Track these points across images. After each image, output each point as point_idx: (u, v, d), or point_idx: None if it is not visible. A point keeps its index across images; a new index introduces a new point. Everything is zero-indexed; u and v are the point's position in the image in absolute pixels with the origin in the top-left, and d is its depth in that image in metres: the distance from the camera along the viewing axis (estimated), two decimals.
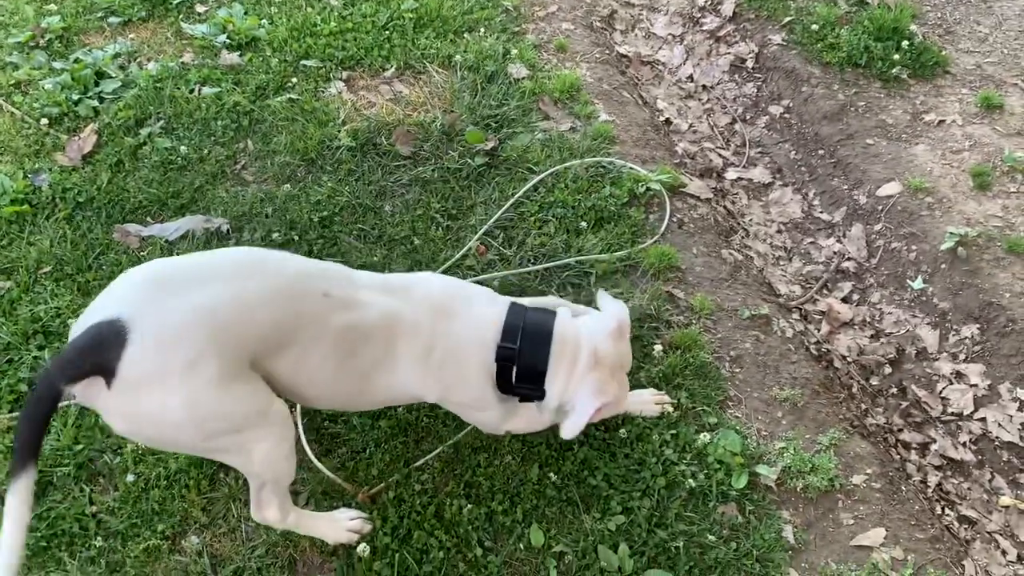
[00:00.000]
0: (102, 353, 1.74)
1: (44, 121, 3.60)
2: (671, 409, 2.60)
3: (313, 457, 2.49)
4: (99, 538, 2.35)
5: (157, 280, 1.85)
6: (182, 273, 1.88)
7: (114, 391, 1.77)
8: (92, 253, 3.08)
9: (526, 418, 2.40)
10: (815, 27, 4.26)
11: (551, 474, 2.46)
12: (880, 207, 3.51)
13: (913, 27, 4.24)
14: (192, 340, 1.77)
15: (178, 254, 3.07)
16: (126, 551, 2.33)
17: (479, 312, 2.28)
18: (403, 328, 2.14)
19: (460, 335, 2.21)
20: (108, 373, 1.75)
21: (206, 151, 3.50)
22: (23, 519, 1.71)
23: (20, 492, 1.72)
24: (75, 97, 3.71)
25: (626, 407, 2.55)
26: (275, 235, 3.13)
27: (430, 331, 2.17)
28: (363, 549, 2.30)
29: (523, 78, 3.83)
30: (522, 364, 2.21)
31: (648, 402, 2.62)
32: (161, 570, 2.31)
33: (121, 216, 3.24)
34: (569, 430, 2.21)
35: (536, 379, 2.22)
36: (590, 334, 2.27)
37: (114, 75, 3.85)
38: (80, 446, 2.53)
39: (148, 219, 3.24)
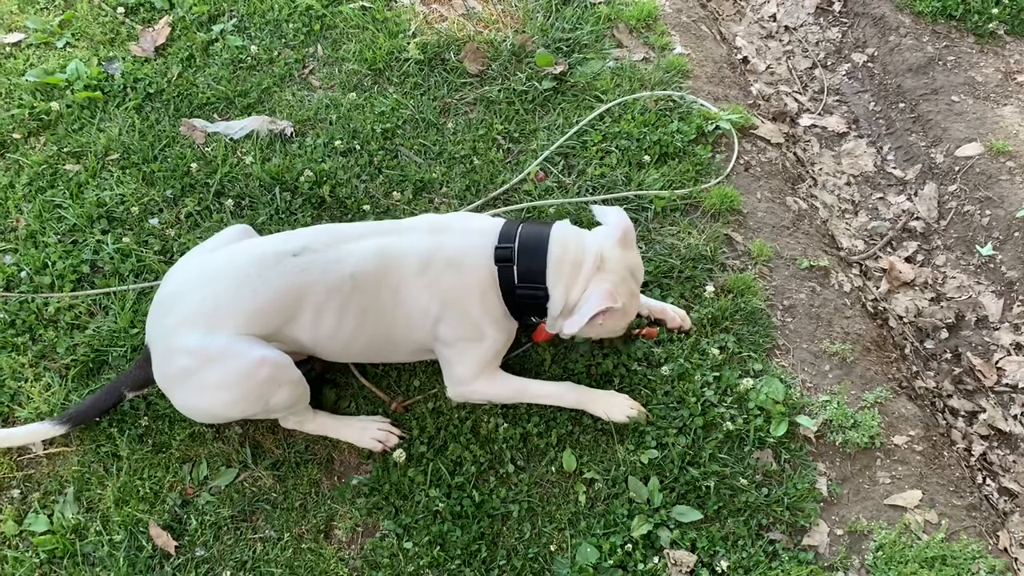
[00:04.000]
0: (146, 369, 2.26)
1: (120, 10, 3.62)
2: (643, 420, 2.42)
3: (352, 366, 2.53)
4: (146, 418, 2.44)
5: (160, 306, 2.27)
6: (172, 294, 2.26)
7: (164, 391, 2.28)
8: (158, 144, 3.13)
9: (499, 383, 2.41)
10: None
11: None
12: (957, 167, 3.37)
13: None
14: (176, 350, 2.16)
15: (242, 153, 3.10)
16: (172, 434, 2.42)
17: (475, 224, 2.36)
18: (399, 257, 2.24)
19: (457, 245, 2.28)
20: (153, 382, 2.27)
21: (276, 53, 3.50)
22: (19, 438, 2.35)
23: (36, 432, 2.34)
24: None
25: (602, 408, 2.44)
26: (337, 142, 3.14)
27: (427, 247, 2.25)
28: (399, 455, 2.36)
29: (599, 3, 3.73)
30: (521, 264, 2.25)
31: (620, 405, 2.43)
32: (204, 455, 2.40)
33: (188, 110, 3.27)
34: (570, 325, 2.23)
35: (537, 278, 2.25)
36: (594, 240, 2.30)
37: None
38: (136, 329, 2.61)
39: (215, 115, 3.27)
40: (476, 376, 2.35)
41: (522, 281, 2.26)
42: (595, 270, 2.24)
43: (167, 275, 2.35)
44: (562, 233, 2.31)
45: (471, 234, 2.31)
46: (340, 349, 2.33)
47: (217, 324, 2.15)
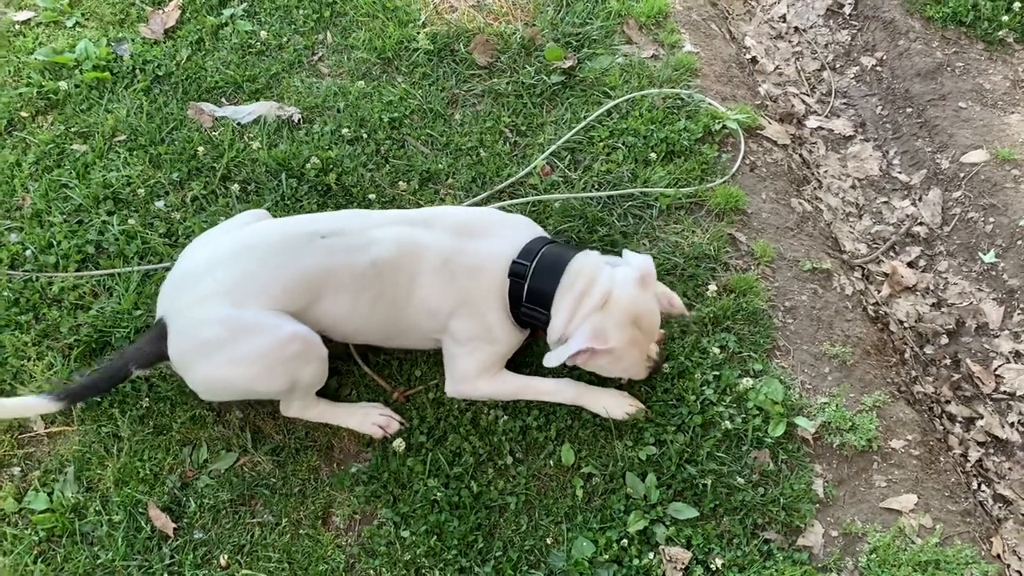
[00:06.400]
0: (159, 344, 2.22)
1: None
2: (642, 417, 2.43)
3: (355, 354, 2.54)
4: (147, 399, 2.45)
5: (182, 279, 2.27)
6: (198, 268, 2.25)
7: (175, 369, 2.27)
8: (166, 127, 3.13)
9: (501, 381, 2.42)
10: None
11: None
12: (962, 174, 3.38)
13: None
14: (205, 322, 2.17)
15: (249, 138, 3.11)
16: (173, 416, 2.43)
17: (503, 233, 2.37)
18: (421, 250, 2.27)
19: (478, 251, 2.30)
20: (167, 358, 2.24)
21: (285, 39, 3.50)
22: (11, 410, 2.30)
23: (31, 406, 2.26)
24: None
25: (601, 405, 2.44)
26: (344, 130, 3.14)
27: (450, 248, 2.28)
28: (399, 444, 2.37)
29: None
30: (532, 283, 2.26)
31: (620, 402, 2.43)
32: (205, 438, 2.41)
33: (197, 94, 3.27)
34: (551, 358, 2.26)
35: (543, 301, 2.27)
36: (612, 277, 2.28)
37: None
38: (139, 311, 2.62)
39: (223, 100, 3.27)
40: (479, 375, 2.37)
41: (528, 301, 2.27)
42: (598, 308, 2.23)
43: (185, 251, 2.37)
44: (580, 263, 2.30)
45: (494, 241, 2.32)
46: (352, 331, 2.36)
47: (247, 299, 2.17)
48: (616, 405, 2.42)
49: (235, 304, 2.16)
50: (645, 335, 2.31)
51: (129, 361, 2.27)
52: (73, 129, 3.11)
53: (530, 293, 2.27)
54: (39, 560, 2.20)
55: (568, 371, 2.53)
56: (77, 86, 3.24)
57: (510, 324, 2.35)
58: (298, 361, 2.19)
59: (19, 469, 2.36)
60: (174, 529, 2.26)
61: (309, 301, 2.24)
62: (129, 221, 2.84)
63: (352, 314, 2.28)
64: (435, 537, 2.24)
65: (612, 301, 2.24)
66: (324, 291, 2.24)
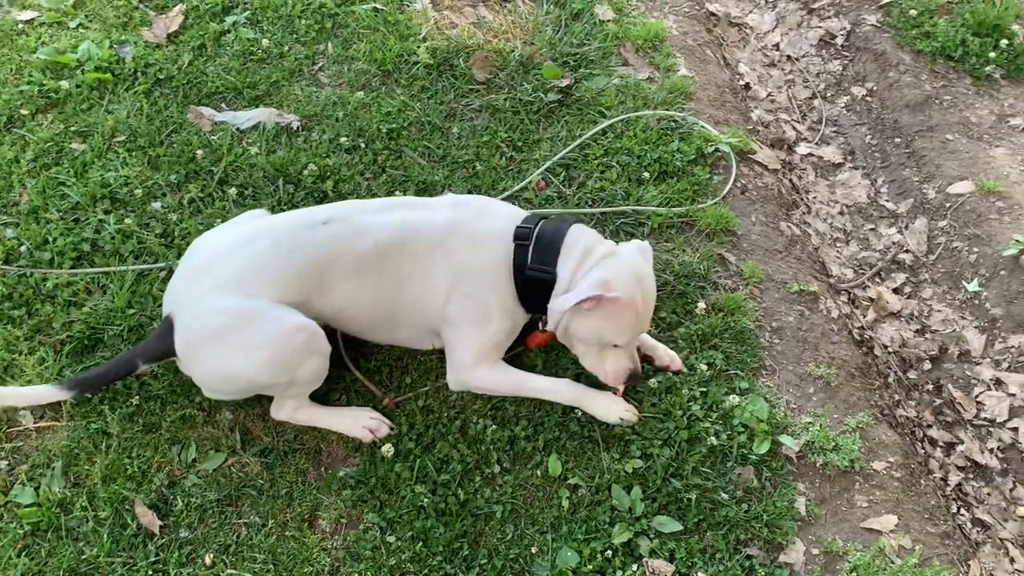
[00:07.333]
0: (166, 340, 2.24)
1: None
2: (634, 421, 2.45)
3: (347, 359, 2.55)
4: (137, 397, 2.45)
5: (187, 275, 2.30)
6: (203, 262, 2.29)
7: (182, 365, 2.30)
8: (165, 130, 3.15)
9: (500, 373, 2.45)
10: (913, 12, 4.13)
11: (577, 410, 2.50)
12: (948, 204, 3.44)
13: (1015, 27, 4.08)
14: (211, 312, 2.19)
15: (247, 143, 3.13)
16: (163, 415, 2.44)
17: (498, 209, 2.44)
18: (420, 229, 2.31)
19: (477, 223, 2.35)
20: (174, 354, 2.26)
21: (287, 48, 3.54)
22: (24, 398, 2.37)
23: (42, 394, 2.33)
24: None
25: (598, 408, 2.46)
26: (343, 139, 3.17)
27: (447, 221, 2.33)
28: (387, 449, 2.38)
29: (608, 20, 3.79)
30: (537, 245, 2.31)
31: (616, 407, 2.45)
32: (194, 438, 2.42)
33: (197, 98, 3.30)
34: (561, 301, 2.26)
35: (549, 260, 2.31)
36: (612, 243, 2.40)
37: None
38: (132, 310, 2.63)
39: (223, 105, 3.30)
40: (478, 363, 2.39)
41: (534, 262, 2.31)
42: (604, 258, 2.31)
43: (192, 247, 2.39)
44: (579, 230, 2.39)
45: (493, 216, 2.39)
46: (355, 318, 2.38)
47: (254, 290, 2.20)
48: (613, 409, 2.45)
49: (242, 295, 2.19)
50: (645, 301, 2.32)
51: (137, 355, 2.31)
52: (73, 128, 3.13)
53: (535, 254, 2.31)
54: (23, 554, 2.19)
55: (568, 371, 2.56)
56: (78, 86, 3.26)
57: (508, 302, 2.37)
58: (302, 353, 2.22)
59: (6, 463, 2.36)
60: (160, 527, 2.26)
61: (314, 289, 2.26)
62: (125, 221, 2.85)
63: (356, 300, 2.31)
64: (420, 543, 2.25)
65: (617, 255, 2.33)
66: (328, 278, 2.27)
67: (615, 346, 2.34)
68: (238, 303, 2.18)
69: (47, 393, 2.33)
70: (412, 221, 2.32)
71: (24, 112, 3.17)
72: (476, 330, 2.36)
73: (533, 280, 2.33)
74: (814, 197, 3.61)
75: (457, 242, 2.31)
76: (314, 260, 2.26)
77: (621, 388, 2.48)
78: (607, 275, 2.25)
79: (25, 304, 2.65)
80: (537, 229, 2.34)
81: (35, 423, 2.42)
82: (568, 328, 2.34)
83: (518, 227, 2.35)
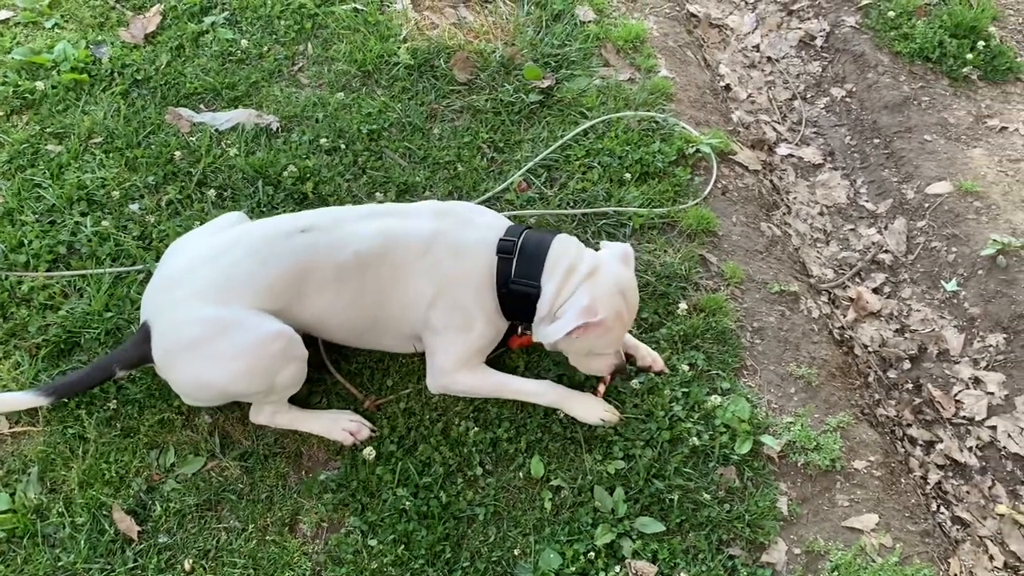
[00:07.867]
0: (142, 347, 2.22)
1: None
2: (615, 422, 2.45)
3: (327, 361, 2.54)
4: (115, 402, 2.42)
5: (164, 282, 2.29)
6: (178, 271, 2.27)
7: (160, 372, 2.27)
8: (143, 131, 3.12)
9: (480, 376, 2.44)
10: (891, 14, 4.16)
11: (558, 411, 2.49)
12: (927, 204, 3.47)
13: (992, 28, 4.13)
14: (188, 322, 2.18)
15: (226, 144, 3.11)
16: (141, 419, 2.41)
17: (481, 218, 2.42)
18: (403, 238, 2.29)
19: (461, 233, 2.33)
20: (151, 360, 2.24)
21: (266, 48, 3.52)
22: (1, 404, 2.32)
23: (20, 400, 2.30)
24: None
25: (579, 409, 2.47)
26: (323, 140, 3.15)
27: (431, 231, 2.31)
28: (368, 452, 2.37)
29: (589, 22, 3.79)
30: (521, 258, 2.30)
31: (597, 408, 2.46)
32: (172, 442, 2.39)
33: (175, 99, 3.27)
34: (548, 333, 2.27)
35: (533, 274, 2.30)
36: (594, 255, 2.38)
37: None
38: (110, 313, 2.60)
39: (201, 106, 3.27)
40: (459, 367, 2.38)
41: (519, 275, 2.30)
42: (587, 277, 2.29)
43: (166, 254, 2.38)
44: (563, 242, 2.37)
45: (477, 227, 2.36)
46: (335, 327, 2.37)
47: (230, 298, 2.17)
48: (594, 410, 2.45)
49: (218, 303, 2.16)
50: (629, 310, 2.36)
51: (114, 362, 2.29)
52: (48, 129, 3.09)
53: (519, 267, 2.30)
54: None
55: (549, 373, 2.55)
56: (54, 87, 3.22)
57: (491, 312, 2.36)
58: (279, 360, 2.20)
59: None
60: (138, 532, 2.23)
61: (292, 297, 2.24)
62: (103, 223, 2.82)
63: (335, 308, 2.29)
64: (402, 546, 2.23)
65: (599, 272, 2.31)
66: (307, 286, 2.25)
67: None
68: (215, 312, 2.15)
69: (24, 399, 2.30)
70: (393, 230, 2.30)
71: None
72: (459, 337, 2.35)
73: (517, 294, 2.32)
74: (794, 198, 3.62)
75: (441, 252, 2.29)
76: (292, 269, 2.23)
77: (606, 381, 2.51)
78: (589, 299, 2.24)
79: (0, 308, 2.61)
80: (521, 241, 2.33)
81: (10, 428, 2.39)
82: (557, 346, 2.36)
83: (502, 239, 2.33)
